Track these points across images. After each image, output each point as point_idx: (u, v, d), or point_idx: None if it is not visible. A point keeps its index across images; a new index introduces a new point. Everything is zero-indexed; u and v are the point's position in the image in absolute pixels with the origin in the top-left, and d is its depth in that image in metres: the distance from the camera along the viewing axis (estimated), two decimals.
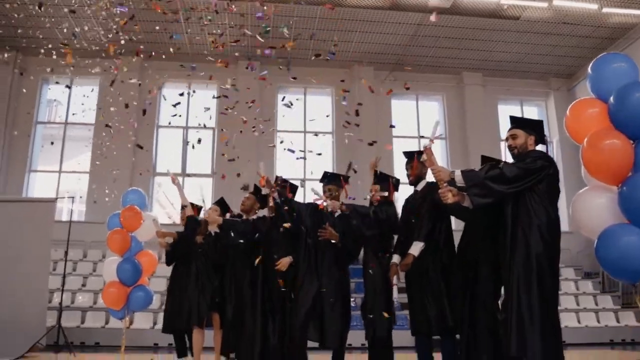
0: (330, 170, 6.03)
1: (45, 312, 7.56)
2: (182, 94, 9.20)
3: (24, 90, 11.97)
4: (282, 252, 4.55)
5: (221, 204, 5.39)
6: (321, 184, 4.65)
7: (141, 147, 10.71)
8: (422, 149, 3.73)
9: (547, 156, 3.39)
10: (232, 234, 4.80)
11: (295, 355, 4.27)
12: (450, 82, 13.69)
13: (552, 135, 13.51)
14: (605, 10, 10.83)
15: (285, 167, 11.47)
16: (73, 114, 12.56)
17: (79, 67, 9.12)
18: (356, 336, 5.70)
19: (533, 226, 3.20)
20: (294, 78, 9.26)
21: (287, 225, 4.50)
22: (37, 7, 8.56)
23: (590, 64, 3.57)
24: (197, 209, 5.59)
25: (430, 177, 3.85)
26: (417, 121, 13.71)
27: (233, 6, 8.25)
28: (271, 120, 10.99)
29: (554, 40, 12.02)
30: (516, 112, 13.59)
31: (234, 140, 8.92)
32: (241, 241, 4.78)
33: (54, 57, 8.20)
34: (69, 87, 10.86)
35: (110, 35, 8.82)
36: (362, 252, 4.57)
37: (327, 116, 13.02)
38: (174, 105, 8.77)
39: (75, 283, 10.06)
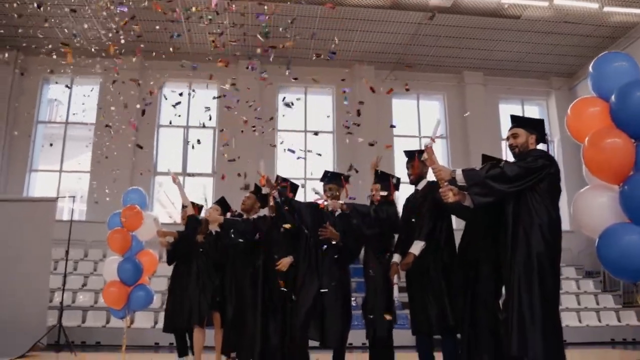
0: (330, 169, 6.02)
1: (46, 311, 7.57)
2: (181, 94, 9.20)
3: (25, 90, 11.98)
4: (283, 252, 4.54)
5: (222, 203, 5.39)
6: (322, 183, 4.65)
7: (141, 147, 10.72)
8: (423, 148, 3.72)
9: (548, 155, 3.37)
10: (233, 234, 4.79)
11: (295, 355, 4.26)
12: (451, 81, 13.66)
13: (553, 134, 13.49)
14: (606, 9, 10.81)
15: (286, 166, 11.47)
16: (73, 114, 12.54)
17: (79, 66, 9.13)
18: (357, 335, 5.70)
19: (534, 225, 3.19)
20: (295, 79, 9.25)
21: (287, 226, 4.49)
22: (36, 7, 8.55)
23: (592, 63, 3.57)
24: (198, 208, 5.60)
25: (431, 176, 3.84)
26: (417, 120, 13.69)
27: (233, 5, 8.24)
28: (272, 120, 10.98)
29: (555, 39, 12.00)
30: (517, 111, 13.55)
31: (234, 140, 8.92)
32: (241, 240, 4.78)
33: (55, 56, 8.21)
34: (69, 86, 10.87)
35: (110, 35, 8.81)
36: (362, 252, 4.57)
37: (328, 116, 13.01)
38: (174, 105, 8.78)
39: (76, 282, 10.06)
